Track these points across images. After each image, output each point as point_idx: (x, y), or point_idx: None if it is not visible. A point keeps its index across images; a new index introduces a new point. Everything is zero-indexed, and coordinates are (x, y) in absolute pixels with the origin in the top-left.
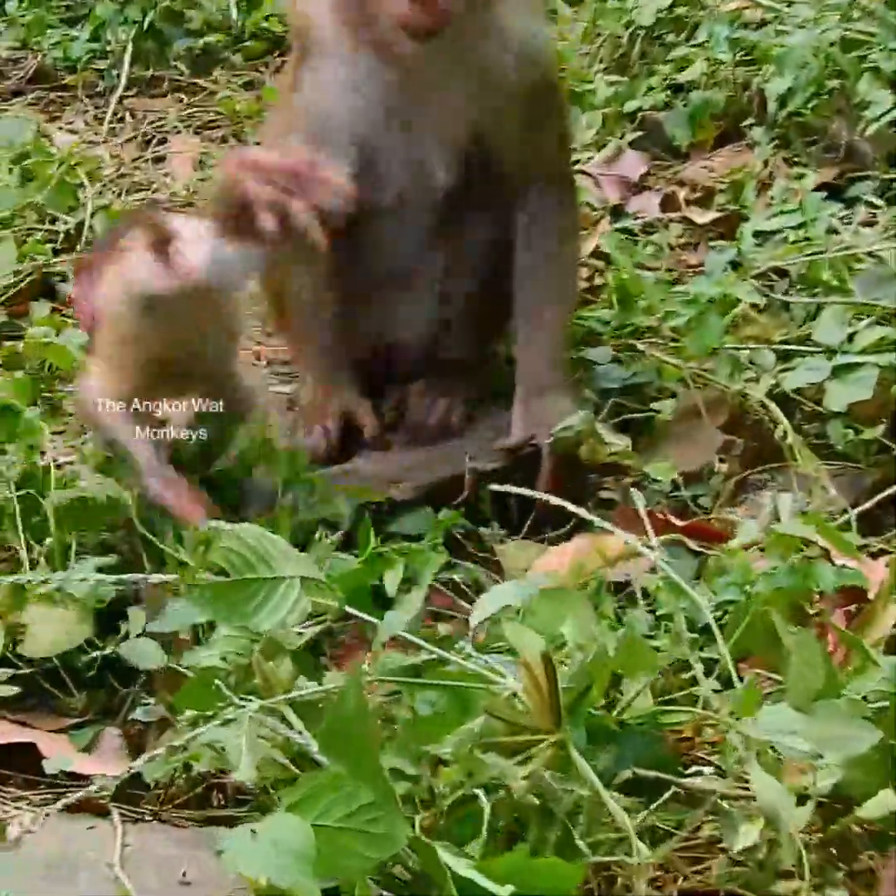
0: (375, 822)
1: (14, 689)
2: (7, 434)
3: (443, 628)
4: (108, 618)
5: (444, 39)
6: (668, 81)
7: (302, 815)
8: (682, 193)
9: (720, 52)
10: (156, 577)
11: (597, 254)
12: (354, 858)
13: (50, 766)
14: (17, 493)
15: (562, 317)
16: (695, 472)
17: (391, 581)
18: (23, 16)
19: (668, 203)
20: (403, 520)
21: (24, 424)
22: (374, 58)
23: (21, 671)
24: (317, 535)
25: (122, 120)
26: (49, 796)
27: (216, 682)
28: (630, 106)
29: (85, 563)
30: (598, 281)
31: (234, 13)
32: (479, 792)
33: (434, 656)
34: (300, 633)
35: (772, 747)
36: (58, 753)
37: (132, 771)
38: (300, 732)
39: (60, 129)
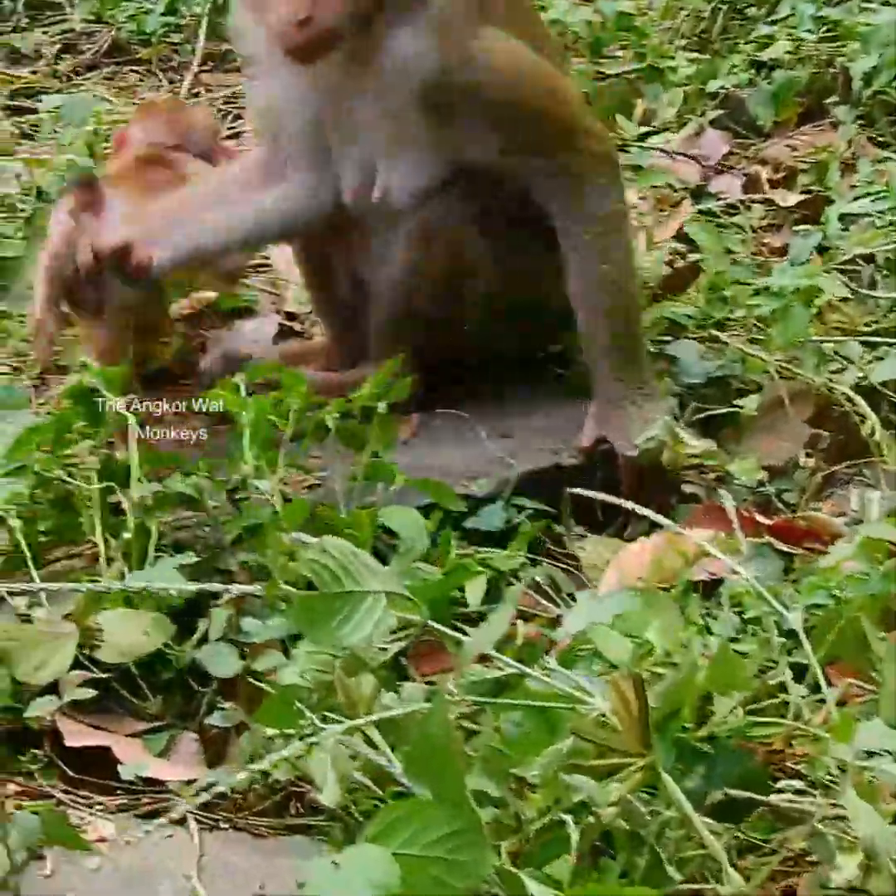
0: (461, 850)
1: (90, 693)
2: (92, 422)
3: (523, 628)
4: (184, 614)
5: (342, 57)
6: (750, 59)
7: (385, 843)
8: (764, 173)
9: (804, 31)
10: (238, 588)
11: (680, 237)
12: (439, 888)
13: (126, 772)
14: (98, 486)
15: (622, 320)
16: (780, 466)
17: (474, 594)
18: None
19: (750, 184)
20: (481, 515)
21: (111, 414)
22: (291, 71)
23: (96, 675)
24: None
25: (197, 95)
26: (125, 802)
27: (297, 703)
28: (712, 85)
29: (163, 561)
30: (678, 264)
31: None
32: (567, 817)
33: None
34: (383, 648)
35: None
36: (134, 758)
37: (210, 781)
38: (384, 753)
39: (134, 104)
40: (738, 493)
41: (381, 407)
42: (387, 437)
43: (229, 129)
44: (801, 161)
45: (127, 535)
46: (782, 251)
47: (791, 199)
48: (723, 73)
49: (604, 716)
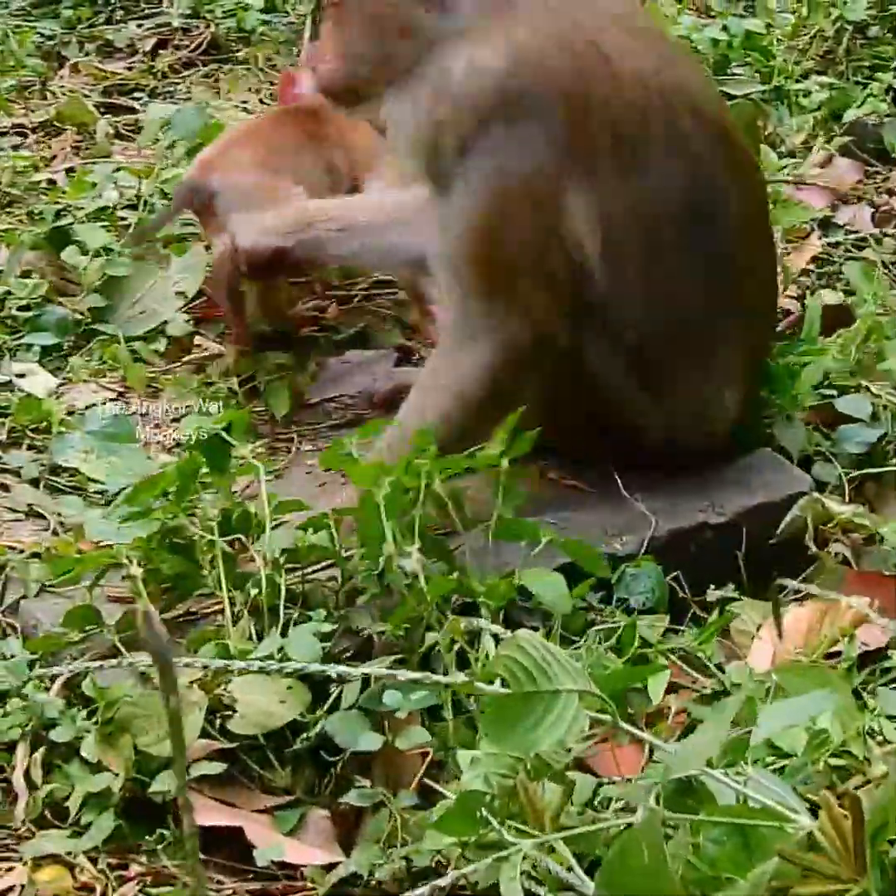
0: None
1: (220, 768)
2: (217, 470)
3: (675, 703)
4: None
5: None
6: (886, 85)
7: None
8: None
9: None
10: (405, 674)
11: (806, 271)
12: None
13: (261, 857)
14: (224, 539)
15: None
16: None
17: (656, 688)
18: None
19: (881, 216)
20: (631, 582)
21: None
22: None
23: (224, 744)
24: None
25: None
26: (259, 888)
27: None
28: (849, 114)
29: (298, 630)
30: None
31: None
32: None
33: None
34: (568, 750)
35: None
36: (265, 839)
37: (352, 871)
38: (574, 872)
39: (236, 107)
40: (888, 555)
41: (505, 463)
42: (517, 495)
43: None
44: None
45: (254, 592)
46: None
47: None
48: (856, 103)
49: (811, 834)
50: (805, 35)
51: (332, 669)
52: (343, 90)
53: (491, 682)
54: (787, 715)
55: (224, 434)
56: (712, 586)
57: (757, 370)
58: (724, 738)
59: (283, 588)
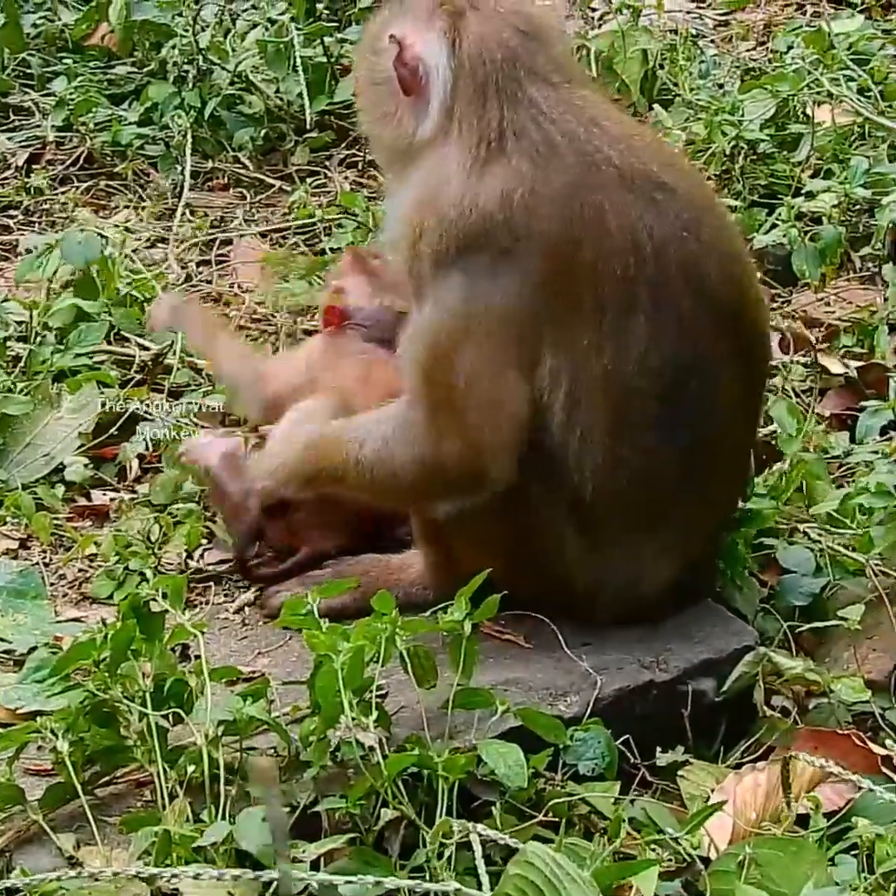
0: None
1: None
2: (151, 638)
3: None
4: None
5: None
6: (795, 210)
7: None
8: (809, 335)
9: (858, 186)
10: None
11: None
12: None
13: None
14: (156, 713)
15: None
16: (881, 681)
17: (647, 886)
18: (71, 96)
19: (786, 343)
20: (579, 748)
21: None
22: None
23: None
24: None
25: (173, 214)
26: None
27: None
28: (760, 241)
29: (245, 816)
30: None
31: (306, 102)
32: None
33: None
34: None
35: None
36: None
37: None
38: None
39: (116, 226)
40: (835, 710)
41: (467, 628)
42: (471, 661)
43: (217, 257)
44: (842, 320)
45: (191, 768)
46: (838, 422)
47: (836, 364)
48: (759, 225)
49: None
50: (701, 155)
51: (312, 878)
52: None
53: None
54: None
55: (160, 600)
56: (660, 748)
57: (711, 537)
58: None
59: (220, 763)
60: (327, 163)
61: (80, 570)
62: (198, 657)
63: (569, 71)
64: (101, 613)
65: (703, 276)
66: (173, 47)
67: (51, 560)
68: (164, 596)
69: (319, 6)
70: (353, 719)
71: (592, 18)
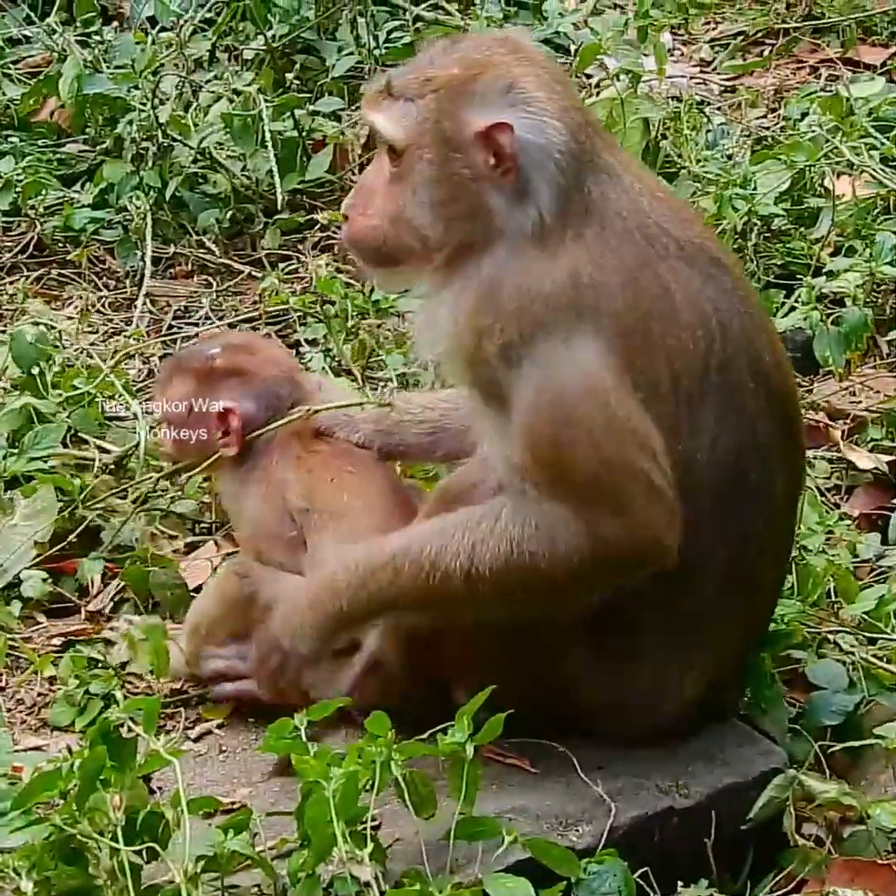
0: None
1: None
2: (122, 767)
3: None
4: None
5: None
6: (816, 291)
7: None
8: (835, 429)
9: (885, 263)
10: None
11: None
12: None
13: None
14: (129, 849)
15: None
16: None
17: None
18: (19, 177)
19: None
20: (594, 882)
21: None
22: None
23: None
24: None
25: (133, 304)
26: None
27: None
28: (779, 325)
29: None
30: None
31: (277, 180)
32: None
33: None
34: None
35: None
36: None
37: None
38: None
39: (70, 319)
40: (874, 838)
41: (470, 751)
42: (473, 788)
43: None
44: (869, 411)
45: None
46: (868, 522)
47: (864, 459)
48: (776, 308)
49: None
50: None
51: None
52: (374, 250)
53: None
54: None
55: (132, 724)
56: (681, 882)
57: (740, 651)
58: None
59: None
60: (300, 246)
61: (39, 694)
62: (161, 789)
63: (612, 140)
64: (63, 740)
65: (759, 357)
66: (130, 123)
67: (7, 684)
68: (135, 721)
69: (288, 76)
70: (347, 852)
71: (588, 85)
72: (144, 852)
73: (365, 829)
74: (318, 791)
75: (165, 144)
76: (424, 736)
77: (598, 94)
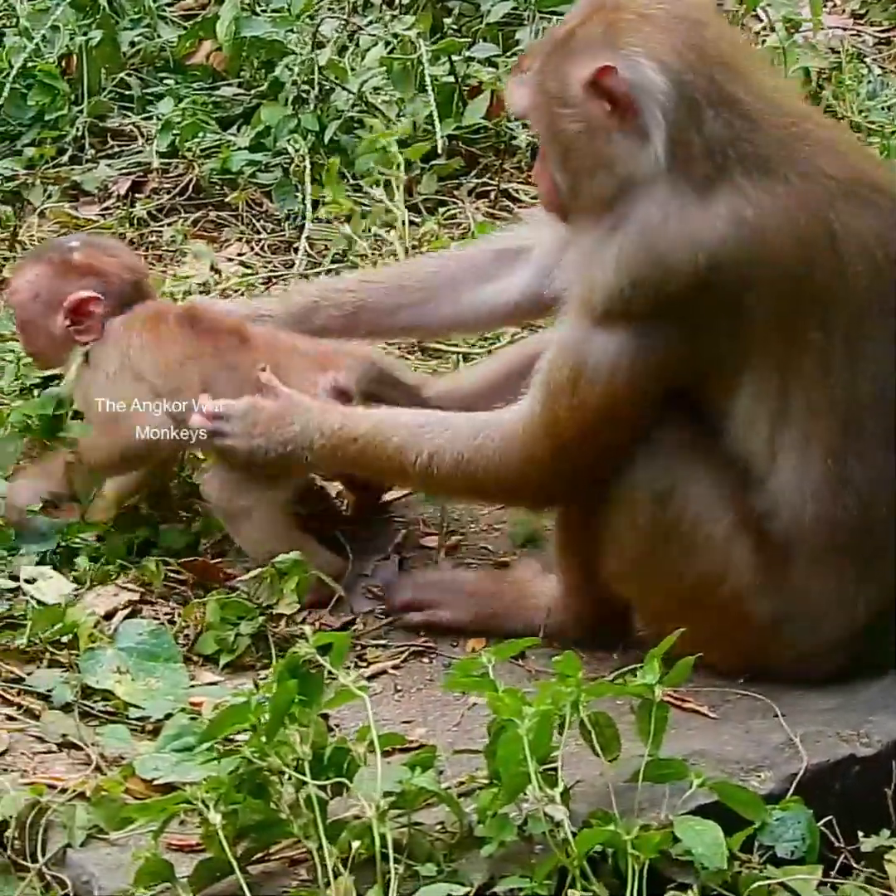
0: None
1: None
2: (311, 701)
3: None
4: None
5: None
6: None
7: None
8: None
9: None
10: None
11: None
12: None
13: None
14: (316, 783)
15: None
16: None
17: None
18: (177, 119)
19: None
20: (777, 828)
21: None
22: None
23: None
24: None
25: (295, 249)
26: None
27: None
28: None
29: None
30: None
31: (436, 125)
32: None
33: None
34: None
35: None
36: None
37: None
38: None
39: (229, 260)
40: None
41: (659, 694)
42: (661, 730)
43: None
44: None
45: (356, 844)
46: None
47: None
48: None
49: None
50: None
51: None
52: (559, 209)
53: None
54: None
55: (321, 658)
56: (862, 831)
57: None
58: None
59: (389, 839)
60: (456, 192)
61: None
62: (339, 726)
63: (758, 63)
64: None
65: None
66: (288, 67)
67: (175, 619)
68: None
69: (447, 21)
70: (540, 792)
71: (749, 34)
72: (328, 788)
73: (554, 768)
74: (512, 729)
75: (327, 88)
76: (609, 677)
77: (762, 43)
